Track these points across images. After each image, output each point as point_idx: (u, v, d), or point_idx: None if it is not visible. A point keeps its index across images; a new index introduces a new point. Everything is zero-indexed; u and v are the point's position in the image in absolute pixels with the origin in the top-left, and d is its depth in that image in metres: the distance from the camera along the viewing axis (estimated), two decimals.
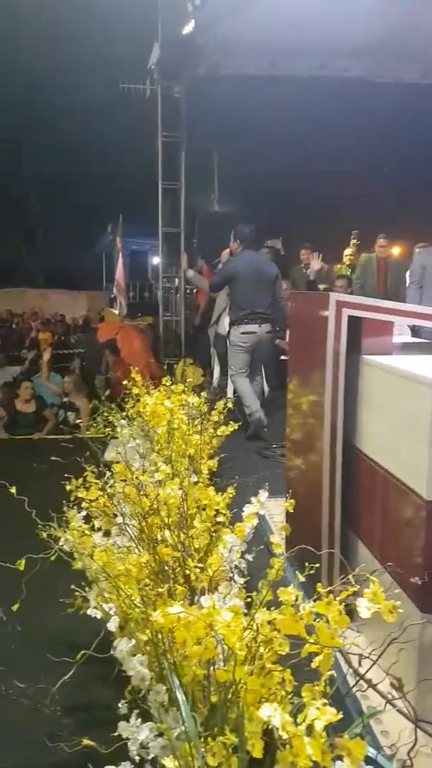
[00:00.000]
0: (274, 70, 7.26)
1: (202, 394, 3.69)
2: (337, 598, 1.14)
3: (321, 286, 6.32)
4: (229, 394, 5.78)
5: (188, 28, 6.00)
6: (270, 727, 1.07)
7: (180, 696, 1.17)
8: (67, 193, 17.74)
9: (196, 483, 2.34)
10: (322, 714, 0.81)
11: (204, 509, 2.08)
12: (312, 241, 6.91)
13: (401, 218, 7.25)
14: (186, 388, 3.41)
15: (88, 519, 1.83)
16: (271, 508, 2.97)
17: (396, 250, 9.18)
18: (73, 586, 1.58)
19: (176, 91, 7.12)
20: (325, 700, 0.90)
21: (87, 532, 1.70)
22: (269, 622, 1.20)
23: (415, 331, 3.30)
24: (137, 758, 1.22)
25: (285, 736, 0.79)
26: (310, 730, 0.85)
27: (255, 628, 1.17)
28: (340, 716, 0.83)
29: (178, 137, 7.07)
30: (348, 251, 7.29)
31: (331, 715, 0.81)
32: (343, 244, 7.75)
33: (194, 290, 7.86)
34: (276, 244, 7.66)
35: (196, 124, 7.59)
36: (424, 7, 5.56)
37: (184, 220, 7.17)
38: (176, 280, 7.55)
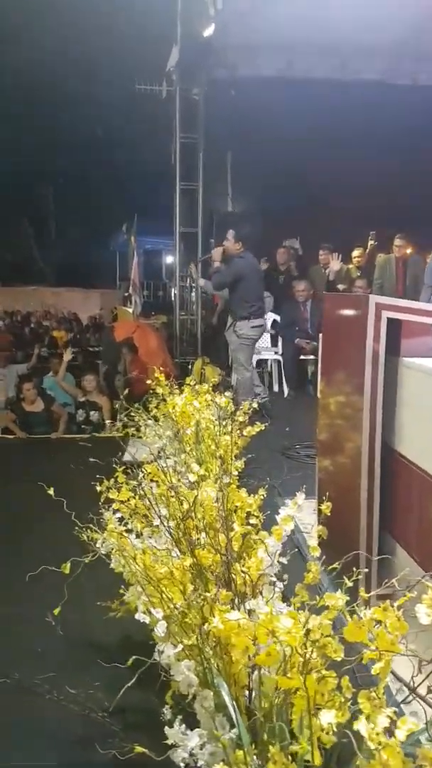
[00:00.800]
0: (292, 72, 7.25)
1: (226, 393, 3.68)
2: (396, 605, 1.12)
3: (340, 287, 6.28)
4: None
5: (209, 31, 5.99)
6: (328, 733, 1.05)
7: (231, 702, 1.15)
8: (80, 191, 17.78)
9: (228, 484, 2.32)
10: (403, 723, 0.79)
11: (236, 511, 2.06)
12: (328, 241, 6.87)
13: (420, 219, 7.18)
14: (210, 388, 3.40)
15: (120, 520, 1.81)
16: (302, 510, 2.94)
17: (409, 251, 9.12)
18: (120, 590, 1.57)
19: (194, 92, 7.12)
20: (394, 709, 0.88)
21: (124, 534, 1.68)
22: (319, 627, 1.18)
23: None
24: (182, 765, 1.20)
25: (372, 746, 0.77)
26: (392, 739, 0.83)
27: (307, 633, 1.15)
28: (422, 726, 0.80)
29: (196, 138, 7.07)
30: (356, 252, 7.24)
31: (414, 725, 0.79)
32: (359, 245, 7.71)
33: None
34: (294, 243, 7.64)
35: (212, 125, 7.57)
36: None
37: (202, 220, 7.17)
38: (191, 279, 7.55)
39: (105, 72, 9.33)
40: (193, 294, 7.55)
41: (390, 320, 2.02)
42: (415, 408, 1.92)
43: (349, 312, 2.20)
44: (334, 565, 1.37)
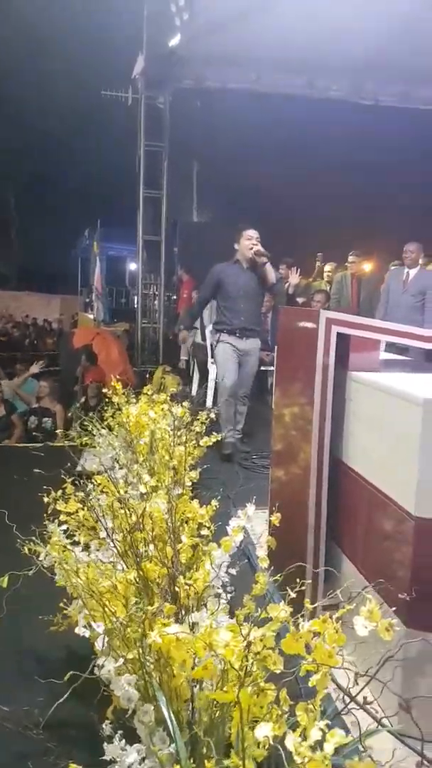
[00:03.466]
0: (259, 86, 7.37)
1: (184, 404, 3.67)
2: (334, 616, 1.14)
3: (299, 300, 6.39)
4: (208, 403, 5.78)
5: (175, 41, 6.04)
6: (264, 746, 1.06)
7: (170, 716, 1.15)
8: (44, 196, 17.56)
9: (180, 495, 2.32)
10: (331, 736, 0.80)
11: (187, 523, 2.06)
12: (292, 255, 6.99)
13: (380, 235, 7.37)
14: (168, 398, 3.39)
15: (66, 533, 1.79)
16: (252, 520, 2.95)
17: (368, 266, 9.36)
18: (61, 604, 1.54)
19: (160, 101, 7.15)
20: (327, 721, 0.89)
21: (68, 546, 1.66)
22: (260, 639, 1.19)
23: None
24: None
25: (298, 760, 0.78)
26: (314, 752, 0.84)
27: (249, 646, 1.16)
28: (351, 738, 0.82)
29: (160, 146, 7.09)
30: (328, 267, 7.41)
31: (341, 738, 0.80)
32: (325, 258, 7.87)
33: (174, 298, 7.87)
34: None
35: (179, 134, 7.62)
36: (408, 31, 5.70)
37: (165, 228, 7.18)
38: (154, 287, 7.54)
39: (70, 77, 9.28)
40: (156, 302, 7.54)
41: (340, 335, 2.07)
42: (362, 421, 1.97)
43: (301, 325, 2.24)
44: (276, 577, 1.38)
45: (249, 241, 4.11)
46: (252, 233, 4.16)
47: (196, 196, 10.46)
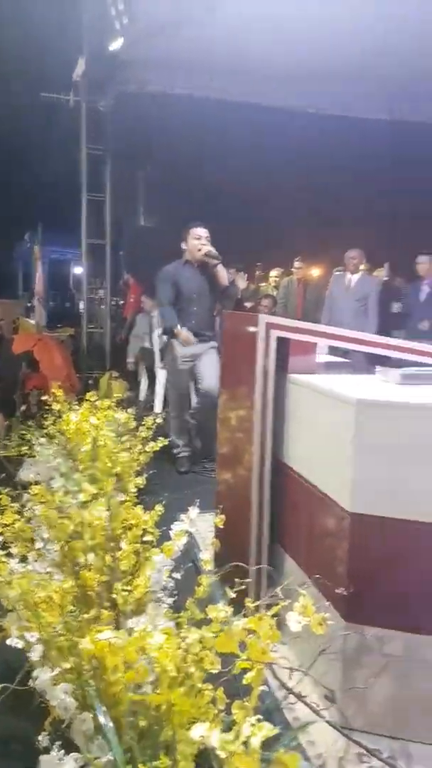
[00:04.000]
0: (206, 92, 7.41)
1: (129, 410, 3.65)
2: (268, 613, 1.16)
3: (247, 304, 6.48)
4: (157, 408, 5.77)
5: (116, 45, 6.01)
6: (202, 747, 1.06)
7: (107, 723, 1.14)
8: None
9: (123, 502, 2.30)
10: (258, 729, 0.82)
11: (131, 529, 2.05)
12: (242, 260, 7.07)
13: (326, 241, 7.55)
14: (112, 404, 3.36)
15: (3, 545, 1.75)
16: (199, 525, 2.95)
17: (317, 272, 9.59)
18: None
19: (102, 104, 7.10)
20: (259, 716, 0.91)
21: (3, 559, 1.62)
22: (199, 641, 1.20)
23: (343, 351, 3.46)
24: None
25: (223, 755, 0.79)
26: (245, 747, 0.86)
27: (186, 648, 1.17)
28: (277, 731, 0.84)
29: (103, 150, 7.04)
30: (274, 272, 7.54)
31: (269, 730, 0.82)
32: (269, 264, 8.00)
33: (121, 303, 7.81)
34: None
35: (123, 138, 7.58)
36: (349, 40, 5.87)
37: (110, 232, 7.12)
38: (101, 291, 7.46)
39: (9, 78, 9.07)
40: (102, 306, 7.46)
41: (279, 339, 2.11)
42: (301, 423, 2.01)
43: (242, 330, 2.27)
44: (215, 578, 1.39)
45: (197, 241, 3.87)
46: (200, 232, 3.91)
47: (143, 199, 10.43)
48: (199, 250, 3.82)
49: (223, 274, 3.94)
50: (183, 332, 3.82)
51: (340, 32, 5.78)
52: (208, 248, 3.82)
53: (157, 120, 7.74)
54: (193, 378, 4.04)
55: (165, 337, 4.21)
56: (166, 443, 3.18)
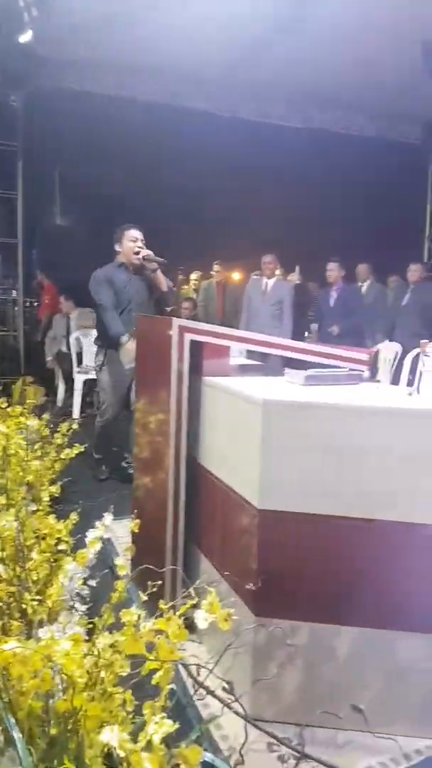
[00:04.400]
0: (120, 91, 7.36)
1: (43, 416, 3.56)
2: (177, 613, 1.19)
3: (168, 309, 6.48)
4: (75, 413, 5.65)
5: (26, 38, 5.85)
6: (111, 750, 1.07)
7: (15, 734, 1.12)
8: None
9: (35, 512, 2.25)
10: (159, 727, 0.84)
11: (44, 539, 2.01)
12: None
13: (246, 245, 7.69)
14: (25, 410, 3.27)
15: None
16: (117, 531, 2.94)
17: (237, 275, 9.76)
18: None
19: (12, 99, 6.89)
20: (163, 714, 0.93)
21: None
22: (111, 646, 1.21)
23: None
24: None
25: (123, 754, 0.81)
26: (149, 745, 0.88)
27: (96, 653, 1.17)
28: (177, 726, 0.86)
29: (14, 146, 6.82)
30: (194, 276, 7.61)
31: (168, 726, 0.84)
32: (189, 267, 8.05)
33: (35, 304, 7.58)
34: None
35: (38, 135, 7.38)
36: (263, 46, 6.02)
37: (23, 230, 6.90)
38: (14, 292, 7.21)
39: None
40: (16, 308, 7.21)
41: (193, 342, 2.15)
42: (215, 424, 2.06)
43: (156, 334, 2.29)
44: (125, 582, 1.40)
45: (133, 243, 3.64)
46: (136, 234, 3.67)
47: (59, 198, 10.18)
48: (137, 253, 3.62)
49: (161, 278, 3.74)
50: (129, 344, 3.47)
51: (255, 41, 5.93)
52: (147, 252, 3.62)
53: (72, 118, 7.60)
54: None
55: (99, 345, 3.85)
56: (83, 450, 3.14)
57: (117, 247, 3.73)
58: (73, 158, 8.67)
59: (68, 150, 8.45)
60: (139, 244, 3.65)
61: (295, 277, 7.64)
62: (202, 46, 6.08)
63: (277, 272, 6.01)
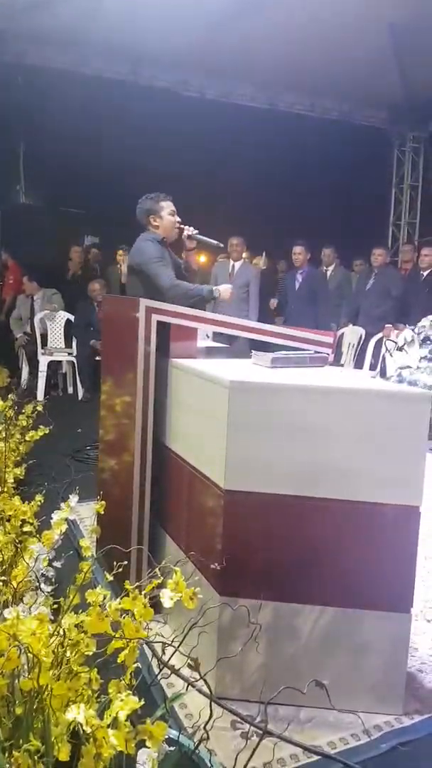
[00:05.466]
0: (84, 69, 7.18)
1: (9, 396, 3.51)
2: (143, 592, 1.20)
3: None
4: (39, 396, 5.57)
5: None
6: (77, 728, 1.08)
7: None
8: None
9: None
10: (125, 704, 0.85)
11: (9, 520, 1.99)
12: (128, 241, 6.93)
13: (212, 224, 7.63)
14: None
15: None
16: (82, 513, 2.93)
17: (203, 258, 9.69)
18: None
19: None
20: (129, 692, 0.94)
21: None
22: (77, 625, 1.21)
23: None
24: None
25: (89, 730, 0.81)
26: (116, 722, 0.89)
27: (61, 632, 1.17)
28: (142, 703, 0.87)
29: None
30: None
31: (133, 703, 0.85)
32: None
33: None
34: (94, 241, 7.62)
35: (1, 111, 7.15)
36: (229, 27, 5.94)
37: None
38: None
39: None
40: None
41: (160, 323, 2.14)
42: (181, 405, 2.06)
43: (123, 315, 2.26)
44: (90, 563, 1.40)
45: (173, 217, 3.14)
46: (173, 206, 3.18)
47: (23, 177, 9.91)
48: (180, 228, 3.13)
49: (195, 259, 3.33)
50: (223, 287, 3.09)
51: (219, 20, 5.84)
52: (192, 230, 3.15)
53: (37, 94, 7.38)
54: None
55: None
56: (47, 432, 3.11)
57: (151, 220, 3.13)
58: (37, 135, 8.43)
59: (32, 127, 8.22)
60: (178, 218, 3.18)
61: (261, 263, 7.64)
62: (165, 23, 5.97)
63: (245, 255, 6.00)
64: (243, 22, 5.89)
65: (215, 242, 3.21)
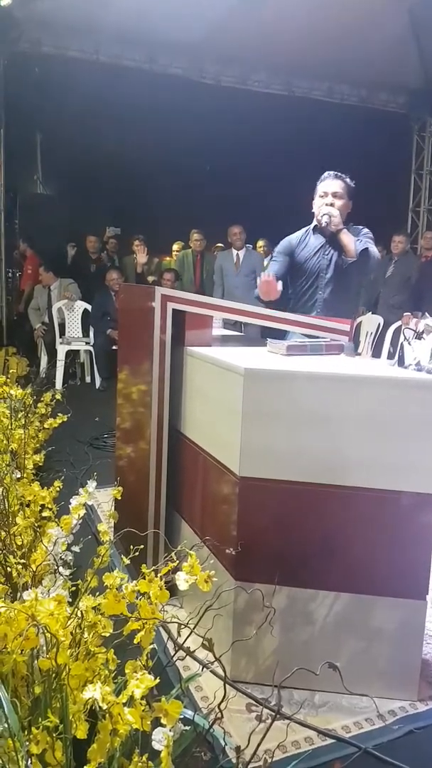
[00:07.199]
0: (98, 56, 7.17)
1: (28, 385, 3.55)
2: (159, 575, 1.22)
3: (150, 278, 6.43)
4: (58, 384, 5.63)
5: (6, 1, 5.65)
6: (94, 707, 1.11)
7: (1, 693, 1.15)
8: None
9: (19, 479, 2.27)
10: (141, 682, 0.87)
11: (28, 506, 2.03)
12: (146, 231, 6.95)
13: (218, 214, 7.57)
14: (8, 380, 3.26)
15: None
16: (100, 498, 2.98)
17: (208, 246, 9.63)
18: None
19: None
20: (144, 671, 0.96)
21: None
22: (94, 608, 1.24)
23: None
24: None
25: (105, 707, 0.83)
26: (131, 701, 0.91)
27: (79, 614, 1.20)
28: (157, 681, 0.89)
29: None
30: (176, 246, 7.50)
31: (149, 681, 0.87)
32: (173, 236, 7.93)
33: (18, 274, 7.46)
34: (116, 231, 7.65)
35: (18, 101, 7.16)
36: (244, 12, 5.87)
37: (4, 200, 6.75)
38: None
39: None
40: None
41: (175, 311, 2.14)
42: (197, 393, 2.07)
43: (139, 303, 2.28)
44: (108, 547, 1.42)
45: (322, 199, 2.67)
46: (328, 186, 2.66)
47: (40, 167, 9.94)
48: (324, 213, 2.60)
49: (346, 240, 2.64)
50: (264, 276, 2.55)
51: (235, 6, 5.77)
52: (331, 211, 2.60)
53: (54, 83, 7.38)
54: None
55: None
56: (65, 419, 3.15)
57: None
58: (54, 125, 8.44)
59: (48, 117, 8.23)
60: (329, 200, 2.64)
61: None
62: (180, 10, 5.92)
63: (261, 243, 5.99)
64: (257, 7, 5.81)
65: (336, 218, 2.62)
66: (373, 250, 2.66)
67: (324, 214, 2.60)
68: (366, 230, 2.70)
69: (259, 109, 7.88)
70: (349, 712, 1.62)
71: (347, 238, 2.62)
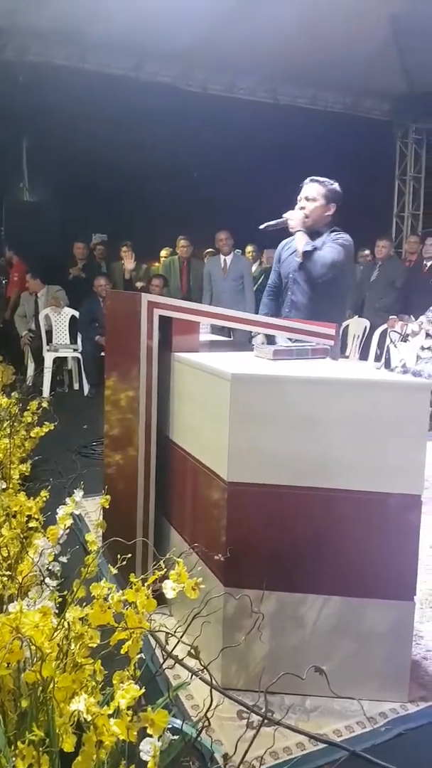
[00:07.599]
0: (85, 64, 7.18)
1: (12, 394, 3.52)
2: (146, 584, 1.21)
3: (138, 284, 6.43)
4: (45, 392, 5.60)
5: None
6: (80, 719, 1.09)
7: None
8: None
9: (5, 489, 2.24)
10: (126, 692, 0.86)
11: (14, 516, 2.01)
12: (133, 237, 6.93)
13: (206, 220, 7.59)
14: None
15: None
16: (88, 507, 2.95)
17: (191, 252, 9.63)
18: None
19: None
20: (131, 681, 0.95)
21: None
22: (81, 618, 1.22)
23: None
24: None
25: (89, 718, 0.82)
26: (118, 712, 0.90)
27: (66, 625, 1.18)
28: (143, 691, 0.88)
29: None
30: (164, 252, 7.50)
31: (134, 691, 0.86)
32: (162, 242, 7.94)
33: (4, 281, 7.41)
34: (103, 238, 7.63)
35: (4, 109, 7.14)
36: (231, 22, 5.91)
37: None
38: None
39: None
40: None
41: (162, 318, 2.14)
42: (185, 399, 2.06)
43: (125, 310, 2.27)
44: (96, 557, 1.41)
45: (299, 204, 2.81)
46: (305, 191, 2.77)
47: (26, 174, 9.92)
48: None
49: (299, 239, 2.72)
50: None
51: (221, 15, 5.81)
52: (289, 216, 2.73)
53: (40, 91, 7.37)
54: None
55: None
56: (53, 428, 3.13)
57: None
58: (40, 133, 8.43)
59: (35, 124, 8.21)
60: (302, 203, 2.74)
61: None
62: (167, 18, 5.95)
63: (249, 248, 6.02)
64: (244, 16, 5.86)
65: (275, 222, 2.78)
66: (322, 253, 2.67)
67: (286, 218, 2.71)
68: (340, 235, 2.74)
69: (245, 117, 7.93)
70: (340, 716, 1.61)
71: (300, 241, 2.70)
